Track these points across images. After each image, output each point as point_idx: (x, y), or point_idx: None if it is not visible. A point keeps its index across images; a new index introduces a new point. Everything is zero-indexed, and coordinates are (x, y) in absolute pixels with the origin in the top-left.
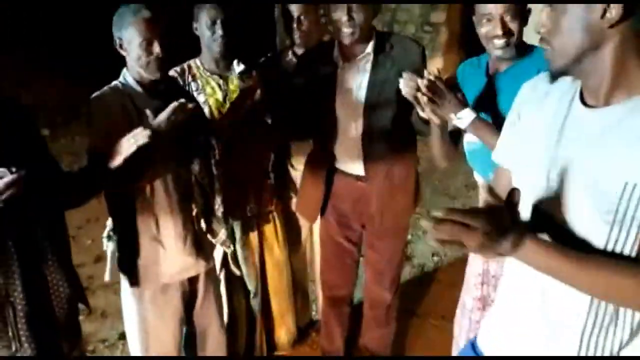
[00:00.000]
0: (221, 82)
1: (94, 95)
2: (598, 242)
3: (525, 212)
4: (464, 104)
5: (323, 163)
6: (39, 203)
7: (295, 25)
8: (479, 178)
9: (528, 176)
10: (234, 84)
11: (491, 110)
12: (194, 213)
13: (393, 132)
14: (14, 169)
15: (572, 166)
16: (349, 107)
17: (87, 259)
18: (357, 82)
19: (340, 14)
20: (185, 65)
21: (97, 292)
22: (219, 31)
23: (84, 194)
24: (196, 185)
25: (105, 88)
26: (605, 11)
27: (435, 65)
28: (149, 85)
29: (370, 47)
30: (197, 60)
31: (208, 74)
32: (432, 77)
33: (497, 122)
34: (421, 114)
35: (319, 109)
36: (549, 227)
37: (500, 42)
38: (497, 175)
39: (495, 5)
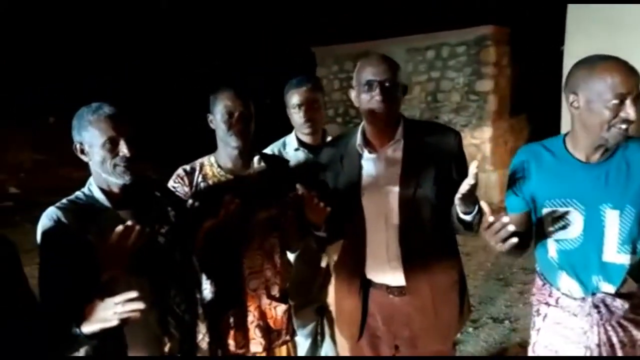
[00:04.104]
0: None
1: (46, 212)
2: None
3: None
4: None
5: (354, 271)
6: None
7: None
8: (569, 285)
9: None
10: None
11: (600, 202)
12: (166, 348)
13: (435, 230)
14: None
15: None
16: (379, 203)
17: None
18: (387, 173)
19: (372, 93)
20: (197, 163)
21: None
22: (237, 125)
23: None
24: (171, 315)
25: (63, 202)
26: None
27: (485, 134)
28: (118, 194)
29: (399, 134)
30: (212, 157)
31: (222, 172)
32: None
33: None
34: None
35: (343, 207)
36: None
37: (625, 127)
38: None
39: (635, 82)
